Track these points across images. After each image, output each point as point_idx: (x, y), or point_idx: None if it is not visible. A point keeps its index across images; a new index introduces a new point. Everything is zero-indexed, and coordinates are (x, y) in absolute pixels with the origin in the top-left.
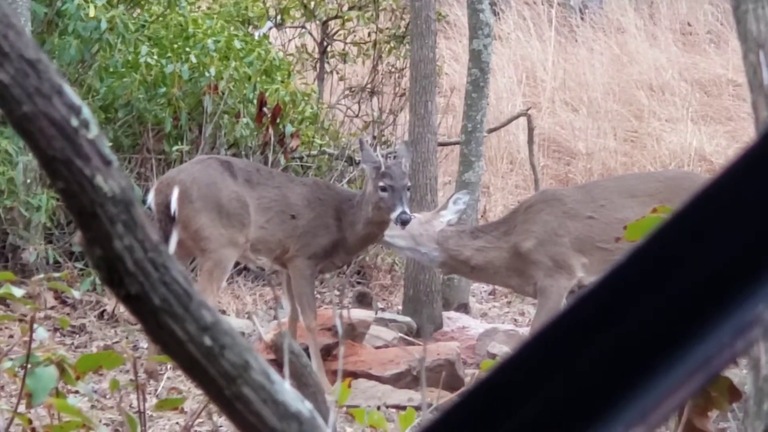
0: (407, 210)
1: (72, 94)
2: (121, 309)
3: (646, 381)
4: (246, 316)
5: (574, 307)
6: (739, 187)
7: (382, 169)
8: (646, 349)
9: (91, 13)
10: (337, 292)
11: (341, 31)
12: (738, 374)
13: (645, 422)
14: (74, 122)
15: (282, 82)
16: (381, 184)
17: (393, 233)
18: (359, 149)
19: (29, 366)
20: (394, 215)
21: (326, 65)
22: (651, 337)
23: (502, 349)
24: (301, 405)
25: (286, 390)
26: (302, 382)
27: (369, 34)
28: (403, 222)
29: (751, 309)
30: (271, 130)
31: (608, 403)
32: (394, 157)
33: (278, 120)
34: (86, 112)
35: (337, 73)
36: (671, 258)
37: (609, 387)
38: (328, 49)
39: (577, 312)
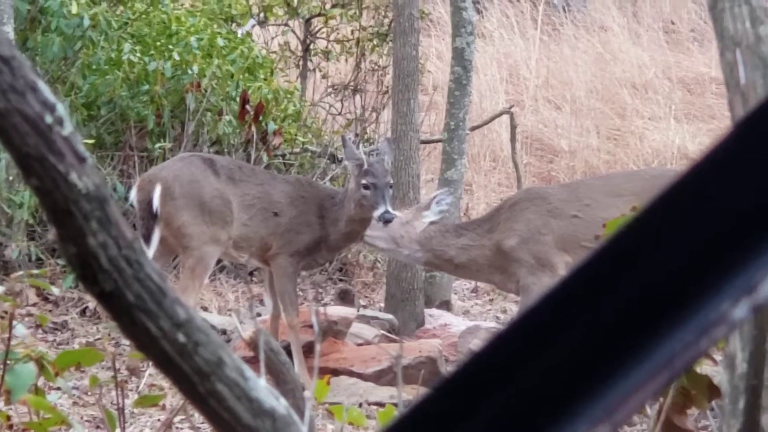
0: (390, 209)
1: (46, 91)
2: None
3: (611, 378)
4: (228, 313)
5: (539, 305)
6: (706, 183)
7: (365, 166)
8: (610, 346)
9: (74, 10)
10: (319, 290)
11: (324, 29)
12: (718, 371)
13: (609, 419)
14: (48, 119)
15: (265, 79)
16: (364, 181)
17: (373, 234)
18: (342, 146)
19: (9, 362)
20: (376, 214)
21: (309, 63)
22: (615, 335)
23: None
24: (276, 402)
25: (260, 387)
26: (280, 379)
27: (352, 32)
28: (386, 221)
29: (716, 307)
30: (253, 128)
31: (572, 400)
32: (377, 153)
33: (261, 117)
34: (60, 109)
35: (320, 70)
36: (637, 255)
37: (573, 384)
38: (311, 46)
39: (541, 309)
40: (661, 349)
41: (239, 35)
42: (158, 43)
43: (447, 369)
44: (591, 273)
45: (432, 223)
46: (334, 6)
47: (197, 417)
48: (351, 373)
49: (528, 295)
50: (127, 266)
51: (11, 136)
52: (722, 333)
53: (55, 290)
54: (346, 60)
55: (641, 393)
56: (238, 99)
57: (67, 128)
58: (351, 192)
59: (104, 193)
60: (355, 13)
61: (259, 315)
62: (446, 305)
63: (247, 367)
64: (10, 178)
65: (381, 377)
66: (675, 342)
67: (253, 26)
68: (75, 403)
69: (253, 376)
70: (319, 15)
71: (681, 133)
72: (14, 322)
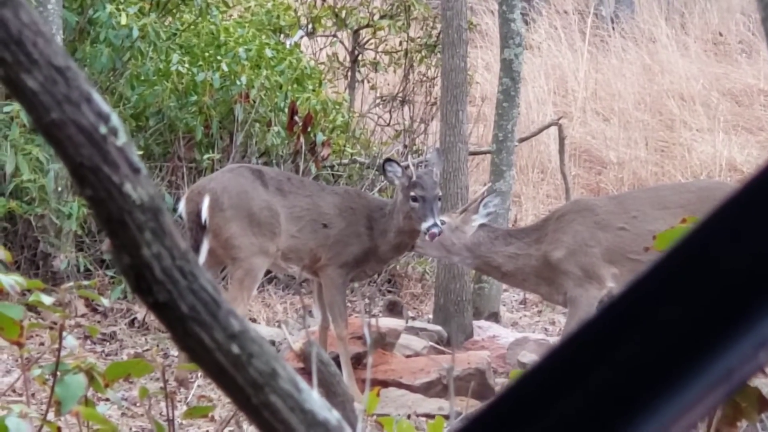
0: (438, 222)
1: (101, 101)
2: (152, 317)
3: (668, 393)
4: (276, 324)
5: (597, 319)
6: (763, 195)
7: (414, 178)
8: (667, 361)
9: (123, 21)
10: (366, 301)
11: (372, 40)
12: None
13: None
14: (103, 129)
15: (313, 90)
16: (412, 194)
17: (425, 243)
18: (384, 171)
19: (58, 374)
20: (424, 227)
21: (357, 74)
22: (673, 349)
23: (533, 358)
24: (329, 413)
25: (313, 398)
26: (331, 390)
27: (400, 43)
28: (433, 235)
29: None
30: (302, 139)
31: (629, 415)
32: (425, 164)
33: (309, 129)
34: (115, 119)
35: (369, 81)
36: (694, 268)
37: (630, 400)
38: (360, 57)
39: (599, 323)
40: (719, 362)
41: (287, 46)
42: (207, 54)
43: (495, 381)
44: (648, 285)
45: (482, 226)
46: (382, 17)
47: (247, 428)
48: (400, 385)
49: (575, 307)
50: (182, 277)
51: (66, 147)
52: None
53: (104, 301)
54: (395, 71)
55: (699, 407)
56: (286, 110)
57: (122, 138)
58: (400, 204)
59: (158, 204)
60: (403, 24)
61: (308, 326)
62: (495, 317)
63: (301, 378)
64: (59, 189)
65: (430, 389)
66: (733, 355)
67: (302, 37)
68: (124, 414)
69: (307, 387)
70: (367, 26)
71: (729, 145)
72: (64, 333)
